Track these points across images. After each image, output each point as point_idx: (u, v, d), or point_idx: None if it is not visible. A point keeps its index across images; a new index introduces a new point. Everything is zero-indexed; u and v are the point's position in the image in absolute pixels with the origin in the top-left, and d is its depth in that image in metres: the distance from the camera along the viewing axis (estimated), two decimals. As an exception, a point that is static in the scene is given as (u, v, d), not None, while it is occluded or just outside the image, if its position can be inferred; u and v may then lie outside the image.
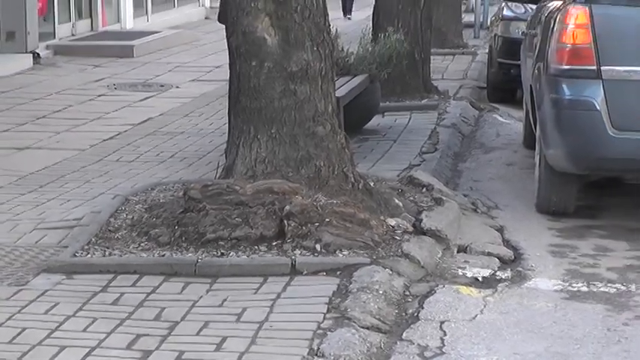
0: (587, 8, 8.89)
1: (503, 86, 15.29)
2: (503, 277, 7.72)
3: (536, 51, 9.79)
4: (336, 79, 9.12)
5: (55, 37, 19.05)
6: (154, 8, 23.74)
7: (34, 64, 16.74)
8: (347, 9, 27.87)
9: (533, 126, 10.05)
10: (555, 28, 9.14)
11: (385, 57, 12.40)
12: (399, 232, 7.89)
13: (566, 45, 8.94)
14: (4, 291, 6.93)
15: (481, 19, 23.08)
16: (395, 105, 13.52)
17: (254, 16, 8.21)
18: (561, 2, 9.40)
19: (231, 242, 7.45)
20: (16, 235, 8.16)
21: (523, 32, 12.13)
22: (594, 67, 8.79)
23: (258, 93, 8.28)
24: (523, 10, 13.96)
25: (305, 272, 7.16)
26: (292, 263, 7.22)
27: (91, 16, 20.75)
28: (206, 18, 25.05)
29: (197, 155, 10.96)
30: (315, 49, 8.31)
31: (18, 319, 6.45)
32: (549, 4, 10.02)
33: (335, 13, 27.29)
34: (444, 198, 9.03)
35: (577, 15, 8.90)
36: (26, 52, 16.96)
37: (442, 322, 6.73)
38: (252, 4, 8.19)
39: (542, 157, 9.28)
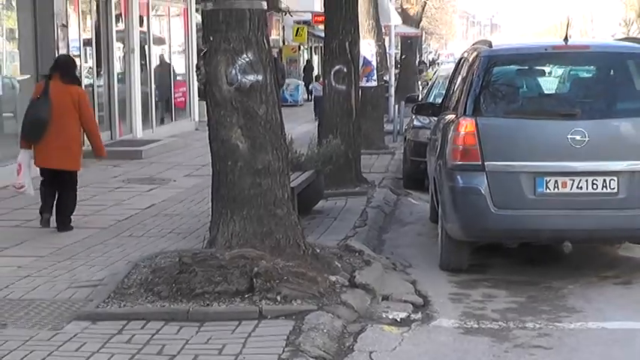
0: (473, 119, 8.97)
1: (414, 177, 15.26)
2: (416, 318, 7.72)
3: (438, 151, 9.83)
4: (290, 173, 9.14)
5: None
6: (157, 122, 23.77)
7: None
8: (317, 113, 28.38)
9: (436, 206, 10.08)
10: (451, 135, 9.20)
11: (327, 157, 12.42)
12: (338, 286, 7.88)
13: (458, 146, 9.00)
14: (45, 334, 6.89)
15: (398, 128, 23.16)
16: (335, 192, 13.51)
17: (229, 128, 8.25)
18: (454, 115, 9.48)
19: (214, 295, 7.42)
20: (54, 292, 8.12)
21: (428, 137, 12.18)
22: (480, 163, 8.84)
23: (233, 185, 8.30)
24: (428, 121, 14.00)
25: (269, 317, 7.13)
26: (259, 310, 7.20)
27: (110, 129, 20.72)
28: (196, 129, 25.03)
29: (189, 231, 10.92)
30: (274, 152, 8.35)
31: (55, 355, 6.43)
32: (446, 117, 10.08)
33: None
34: (372, 260, 9.04)
35: (466, 125, 8.98)
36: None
37: (371, 353, 6.72)
38: (228, 120, 8.24)
39: (443, 229, 9.31)
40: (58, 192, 11.14)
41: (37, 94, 11.00)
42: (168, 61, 25.25)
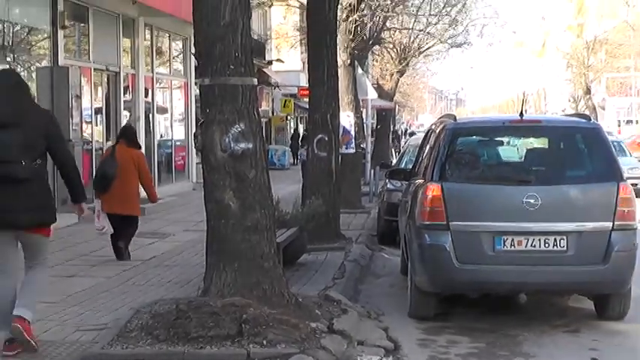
0: (440, 184, 9.01)
1: (388, 234, 15.27)
2: (387, 361, 7.71)
3: (408, 211, 9.86)
4: (276, 230, 9.13)
5: (92, 202, 18.88)
6: (159, 183, 23.72)
7: (78, 220, 16.57)
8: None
9: (406, 260, 10.07)
10: (420, 197, 9.24)
11: (310, 215, 12.44)
12: (318, 331, 7.84)
13: (426, 208, 9.02)
14: (54, 373, 6.84)
15: (373, 190, 23.21)
16: (317, 247, 13.44)
17: (222, 190, 8.27)
18: (423, 180, 9.53)
19: (207, 339, 7.36)
20: (64, 334, 8.06)
21: (400, 199, 12.20)
22: (445, 223, 8.87)
23: (225, 240, 8.30)
24: (400, 185, 14.02)
25: (256, 359, 7.10)
26: (248, 353, 7.15)
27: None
28: (193, 189, 24.97)
29: (186, 281, 10.87)
30: (262, 211, 8.35)
31: (63, 393, 6.37)
32: (416, 181, 10.14)
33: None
34: (349, 309, 9.02)
35: (433, 189, 9.02)
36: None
37: (346, 392, 6.70)
38: (222, 182, 8.26)
39: (412, 281, 9.31)
40: (121, 229, 12.47)
41: (106, 155, 12.64)
42: (169, 128, 25.35)
